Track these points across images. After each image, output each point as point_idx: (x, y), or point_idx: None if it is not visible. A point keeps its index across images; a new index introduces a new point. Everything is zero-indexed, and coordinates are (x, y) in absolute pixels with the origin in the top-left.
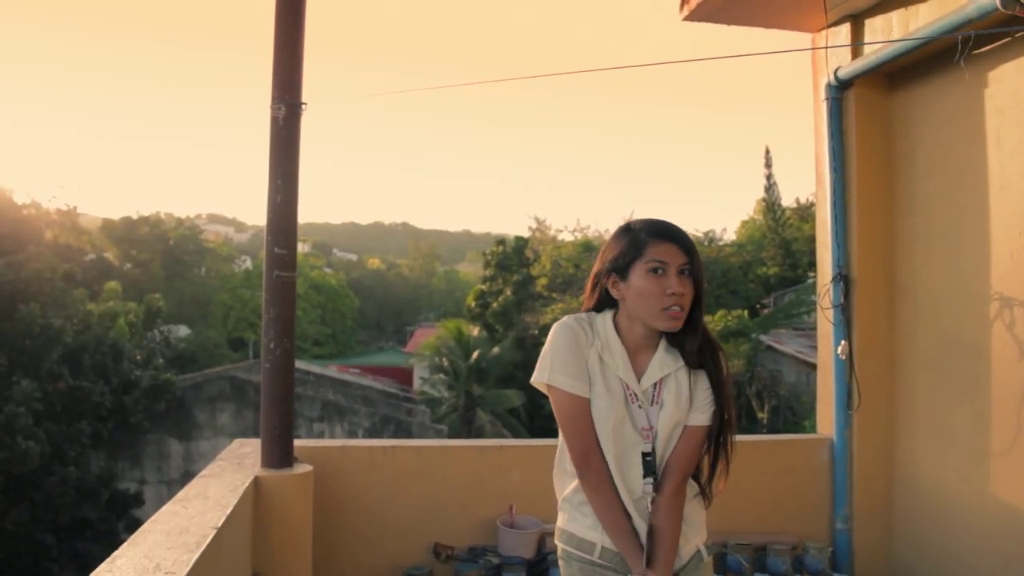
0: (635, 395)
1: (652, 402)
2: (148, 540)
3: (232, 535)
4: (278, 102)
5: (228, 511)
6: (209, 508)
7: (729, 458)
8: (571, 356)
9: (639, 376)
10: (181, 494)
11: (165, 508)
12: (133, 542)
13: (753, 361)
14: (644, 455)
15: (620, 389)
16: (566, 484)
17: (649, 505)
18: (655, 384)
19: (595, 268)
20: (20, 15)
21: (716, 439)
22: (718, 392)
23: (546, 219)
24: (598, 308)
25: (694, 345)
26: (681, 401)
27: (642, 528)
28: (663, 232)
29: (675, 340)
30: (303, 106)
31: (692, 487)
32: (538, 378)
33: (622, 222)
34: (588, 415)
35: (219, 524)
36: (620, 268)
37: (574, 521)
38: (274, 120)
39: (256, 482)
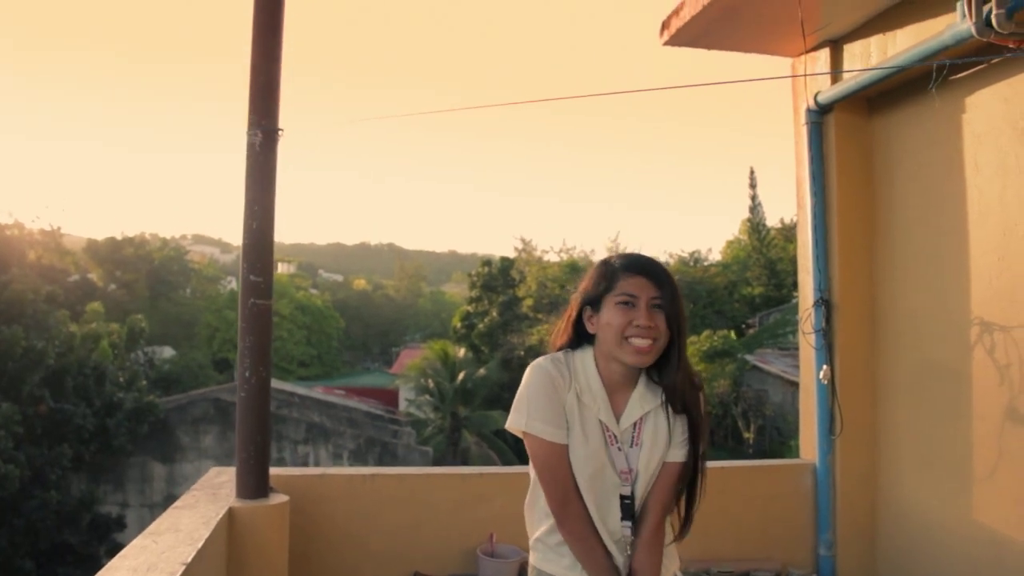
0: (614, 437)
1: (632, 443)
2: None
3: (203, 570)
4: (254, 128)
5: (199, 545)
6: (180, 542)
7: (699, 498)
8: (548, 401)
9: (618, 416)
10: (152, 527)
11: (135, 542)
12: None
13: (739, 381)
14: (623, 498)
15: (599, 432)
16: (539, 523)
17: (628, 547)
18: (634, 424)
19: (572, 302)
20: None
21: (691, 480)
22: (694, 432)
23: (532, 240)
24: (573, 345)
25: (672, 380)
26: (659, 440)
27: (622, 564)
28: (634, 265)
29: (654, 377)
30: (280, 132)
31: (672, 528)
32: (514, 424)
33: (607, 242)
34: (566, 461)
35: (189, 560)
36: (593, 301)
37: (550, 562)
38: (250, 146)
39: (231, 513)
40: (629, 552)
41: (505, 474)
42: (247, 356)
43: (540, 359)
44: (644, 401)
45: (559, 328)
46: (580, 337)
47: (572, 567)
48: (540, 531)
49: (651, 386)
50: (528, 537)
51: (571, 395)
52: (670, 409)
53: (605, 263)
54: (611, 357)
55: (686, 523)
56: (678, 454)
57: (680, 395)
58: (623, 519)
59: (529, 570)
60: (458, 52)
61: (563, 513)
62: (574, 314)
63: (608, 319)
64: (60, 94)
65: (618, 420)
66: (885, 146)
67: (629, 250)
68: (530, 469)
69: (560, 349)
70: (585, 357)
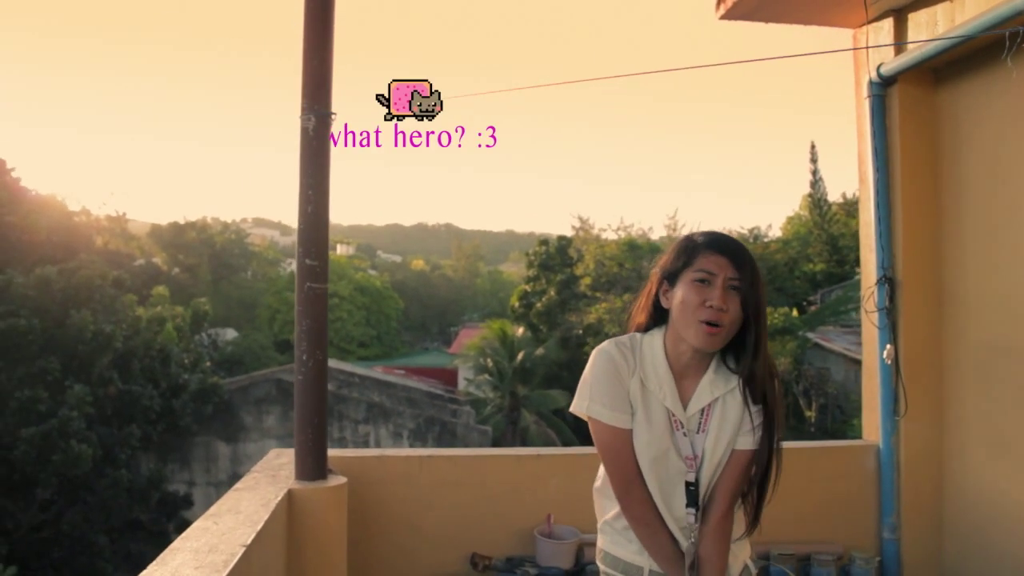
0: (680, 423)
1: (698, 430)
2: (176, 559)
3: (262, 552)
4: (307, 112)
5: (259, 527)
6: (240, 524)
7: (771, 491)
8: (611, 386)
9: (685, 403)
10: (214, 508)
11: (196, 524)
12: (161, 561)
13: (800, 359)
14: (688, 484)
15: (664, 417)
16: (608, 508)
17: (693, 534)
18: (702, 410)
19: (651, 277)
20: (63, 24)
21: (764, 470)
22: (769, 422)
23: (589, 218)
24: (652, 322)
25: (750, 369)
26: (728, 427)
27: (689, 551)
28: (716, 243)
29: (729, 364)
30: (333, 116)
31: (741, 521)
32: (577, 407)
33: (666, 220)
34: (629, 446)
35: (248, 541)
36: (671, 275)
37: (618, 545)
38: (304, 130)
39: (290, 495)
40: (694, 539)
41: (561, 455)
42: (304, 339)
43: (605, 343)
44: (714, 387)
45: (639, 304)
46: (658, 313)
47: (640, 552)
48: (609, 515)
49: (722, 371)
50: (596, 520)
51: (635, 380)
52: (743, 396)
53: (687, 239)
54: (680, 338)
55: (756, 515)
56: (748, 441)
57: (760, 385)
58: (688, 506)
59: (597, 552)
60: (512, 34)
61: (626, 498)
62: (654, 289)
63: (683, 296)
64: (125, 86)
65: (685, 406)
66: (952, 119)
67: (693, 228)
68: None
69: (638, 327)
70: (654, 341)
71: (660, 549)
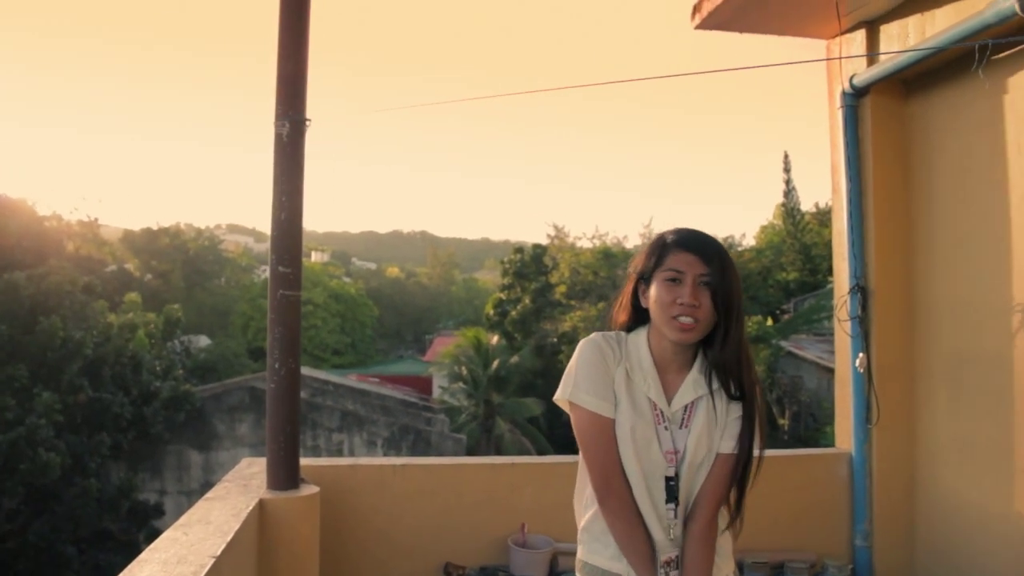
0: (662, 415)
1: (681, 425)
2: (144, 571)
3: (233, 563)
4: (282, 119)
5: (229, 537)
6: (210, 534)
7: (748, 488)
8: (596, 373)
9: (670, 398)
10: (183, 519)
11: (166, 534)
12: (129, 572)
13: (773, 367)
14: (667, 479)
15: (647, 409)
16: (586, 510)
17: (672, 530)
18: (686, 407)
19: (628, 277)
20: (31, 22)
21: (744, 471)
22: (750, 422)
23: (564, 226)
24: (630, 328)
25: (718, 359)
26: (711, 426)
27: (666, 546)
28: (684, 241)
29: (709, 359)
30: (307, 122)
31: (723, 516)
32: (561, 395)
33: (641, 228)
34: (611, 436)
35: (219, 552)
36: (645, 276)
37: (595, 552)
38: (278, 137)
39: (261, 505)
40: (672, 537)
41: (536, 464)
42: (276, 347)
43: (592, 334)
44: (698, 385)
45: (619, 304)
46: (638, 313)
47: (616, 557)
48: (586, 518)
49: (705, 370)
50: (572, 528)
51: (620, 370)
52: (725, 395)
53: (658, 238)
54: (662, 334)
55: (736, 513)
56: (731, 445)
57: (732, 376)
58: (667, 501)
59: (576, 564)
60: (487, 40)
61: (605, 489)
62: (630, 289)
63: (656, 295)
64: (94, 87)
65: (670, 401)
66: (922, 129)
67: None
68: (580, 457)
69: (620, 326)
70: (639, 337)
71: (635, 547)
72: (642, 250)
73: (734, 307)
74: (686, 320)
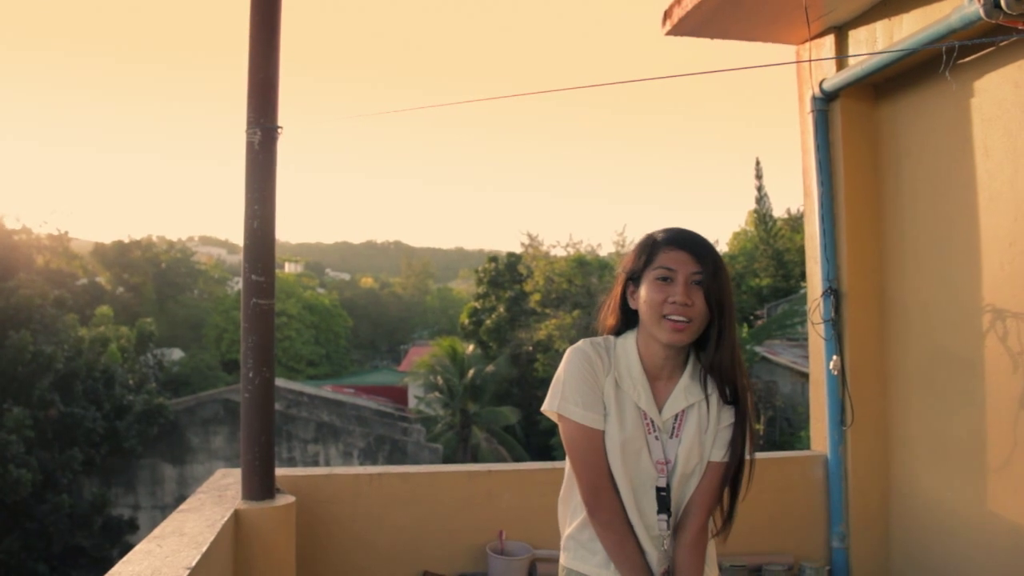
0: (652, 424)
1: (672, 434)
2: None
3: (208, 574)
4: (253, 126)
5: (204, 549)
6: (184, 546)
7: (742, 494)
8: (585, 384)
9: (660, 406)
10: (157, 531)
11: (139, 547)
12: None
13: (748, 373)
14: (658, 490)
15: (637, 419)
16: (573, 518)
17: (665, 542)
18: (676, 415)
19: (617, 279)
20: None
21: (735, 478)
22: (740, 429)
23: (538, 235)
24: (619, 331)
25: (712, 361)
26: (702, 434)
27: (656, 563)
28: (675, 239)
29: (703, 362)
30: (279, 130)
31: (712, 523)
32: (548, 406)
33: (614, 236)
34: (601, 448)
35: (193, 564)
36: (635, 276)
37: (581, 559)
38: (249, 145)
39: (236, 516)
40: (665, 548)
41: (513, 471)
42: (250, 356)
43: (580, 342)
44: (689, 392)
45: (607, 307)
46: (628, 316)
47: (604, 565)
48: (573, 526)
49: (697, 376)
50: (553, 534)
51: (609, 380)
52: (718, 400)
53: (648, 237)
54: (652, 338)
55: (728, 520)
56: (723, 453)
57: (727, 379)
58: (659, 512)
59: (560, 571)
60: (458, 47)
61: (594, 502)
62: (619, 291)
63: (647, 295)
64: (63, 99)
65: (660, 409)
66: (892, 133)
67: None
68: (566, 463)
69: (609, 330)
70: (627, 342)
71: (627, 559)
72: (632, 250)
73: (727, 307)
74: (678, 319)
